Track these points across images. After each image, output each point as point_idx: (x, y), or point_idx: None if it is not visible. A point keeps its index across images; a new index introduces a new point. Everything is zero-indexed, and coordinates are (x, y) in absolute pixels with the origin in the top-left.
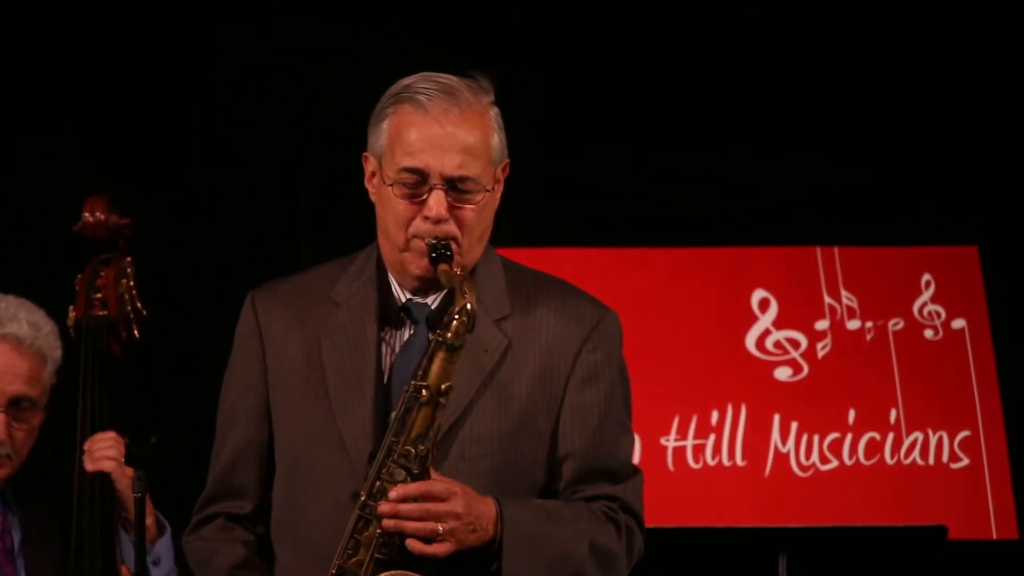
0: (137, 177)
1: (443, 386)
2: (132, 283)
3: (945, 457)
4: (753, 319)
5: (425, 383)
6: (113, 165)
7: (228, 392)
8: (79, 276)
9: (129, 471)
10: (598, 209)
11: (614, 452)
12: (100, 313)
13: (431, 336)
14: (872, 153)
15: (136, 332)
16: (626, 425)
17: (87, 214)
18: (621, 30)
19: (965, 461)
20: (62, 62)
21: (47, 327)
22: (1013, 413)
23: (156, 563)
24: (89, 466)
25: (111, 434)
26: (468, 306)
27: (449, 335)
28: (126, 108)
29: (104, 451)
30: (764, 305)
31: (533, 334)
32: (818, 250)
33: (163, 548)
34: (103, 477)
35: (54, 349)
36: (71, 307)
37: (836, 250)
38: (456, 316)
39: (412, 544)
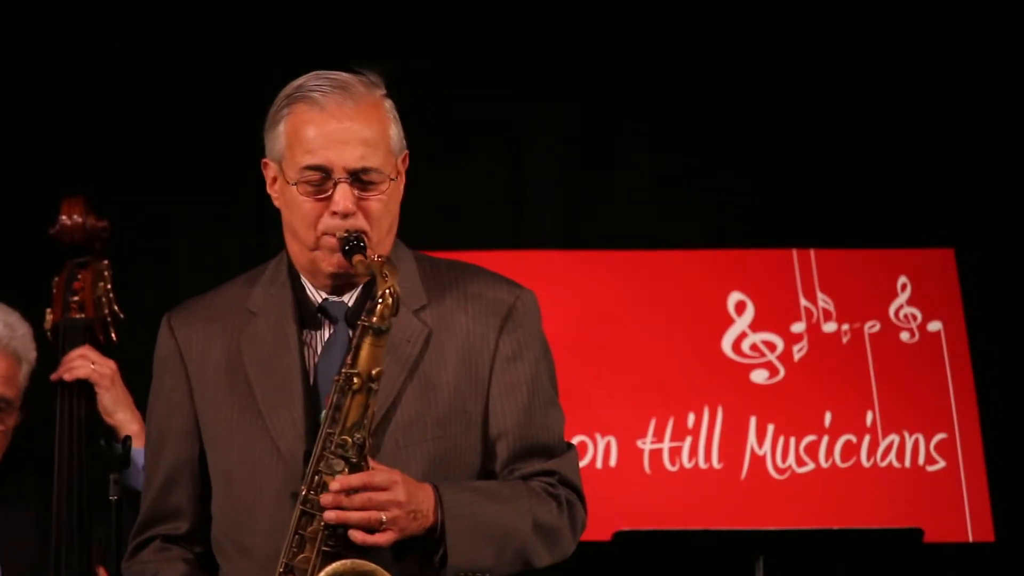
0: (114, 178)
1: (373, 371)
2: (109, 286)
3: (921, 460)
4: (729, 322)
5: (355, 370)
6: (90, 166)
7: (153, 415)
8: (56, 279)
9: (107, 371)
10: (575, 212)
11: (546, 428)
12: (77, 316)
13: (352, 333)
14: (848, 155)
15: (113, 335)
16: (554, 401)
17: (64, 216)
18: (591, 34)
19: (941, 464)
20: (37, 61)
21: (22, 329)
22: (989, 415)
23: None
24: (67, 376)
25: (81, 349)
26: (391, 289)
27: (375, 319)
28: (103, 109)
29: (75, 359)
30: (740, 308)
31: (452, 321)
32: (794, 252)
33: None
34: (81, 483)
35: (29, 351)
36: (48, 310)
37: (812, 252)
38: (380, 300)
39: (355, 535)
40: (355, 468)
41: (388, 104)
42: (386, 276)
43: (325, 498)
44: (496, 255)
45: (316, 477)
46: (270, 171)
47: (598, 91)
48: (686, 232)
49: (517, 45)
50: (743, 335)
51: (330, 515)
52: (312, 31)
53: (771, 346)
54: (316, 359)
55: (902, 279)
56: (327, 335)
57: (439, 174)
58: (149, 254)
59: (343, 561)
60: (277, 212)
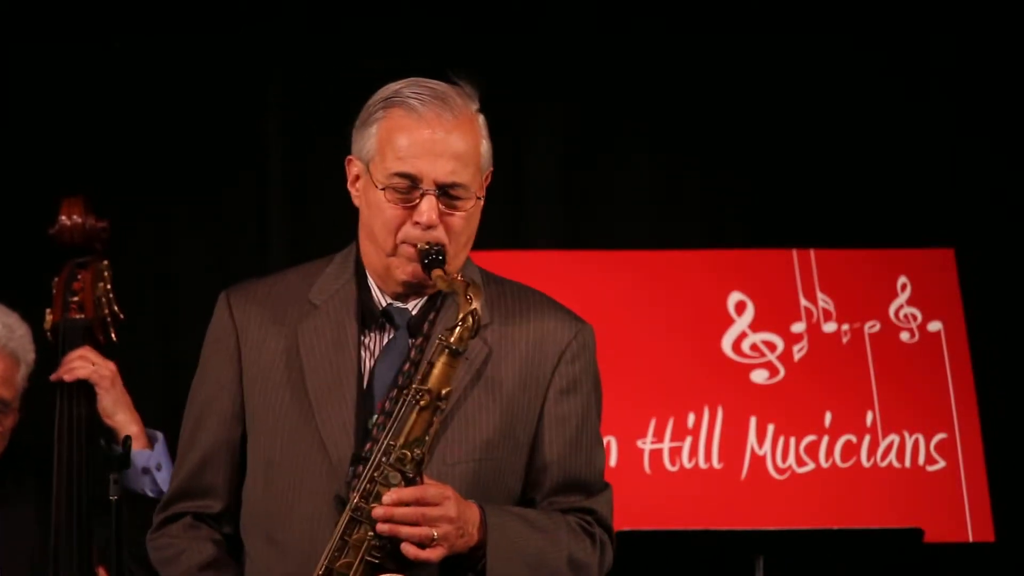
0: (114, 178)
1: (443, 391)
2: (109, 286)
3: (921, 459)
4: (729, 322)
5: (426, 387)
6: (90, 166)
7: (200, 391)
8: (56, 279)
9: (107, 372)
10: (575, 212)
11: (590, 464)
12: (77, 316)
13: (412, 342)
14: (848, 155)
15: (113, 335)
16: (599, 438)
17: (64, 217)
18: (591, 34)
19: (941, 463)
20: (37, 61)
21: (21, 330)
22: (989, 415)
23: (159, 468)
24: (67, 377)
25: (81, 350)
26: (474, 312)
27: (453, 340)
28: (103, 109)
29: (75, 360)
30: (740, 308)
31: (513, 344)
32: (794, 252)
33: (160, 455)
34: (81, 484)
35: (28, 352)
36: (48, 310)
37: (812, 252)
38: (461, 322)
39: (407, 549)
40: (410, 483)
41: (481, 120)
42: (470, 299)
43: (377, 510)
44: (496, 255)
45: (369, 485)
46: (354, 168)
47: (598, 91)
48: (686, 232)
49: (517, 45)
50: (743, 335)
51: (383, 527)
52: (312, 31)
53: (771, 346)
54: (373, 362)
55: (902, 279)
56: (386, 339)
57: None
58: (149, 254)
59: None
60: (343, 209)
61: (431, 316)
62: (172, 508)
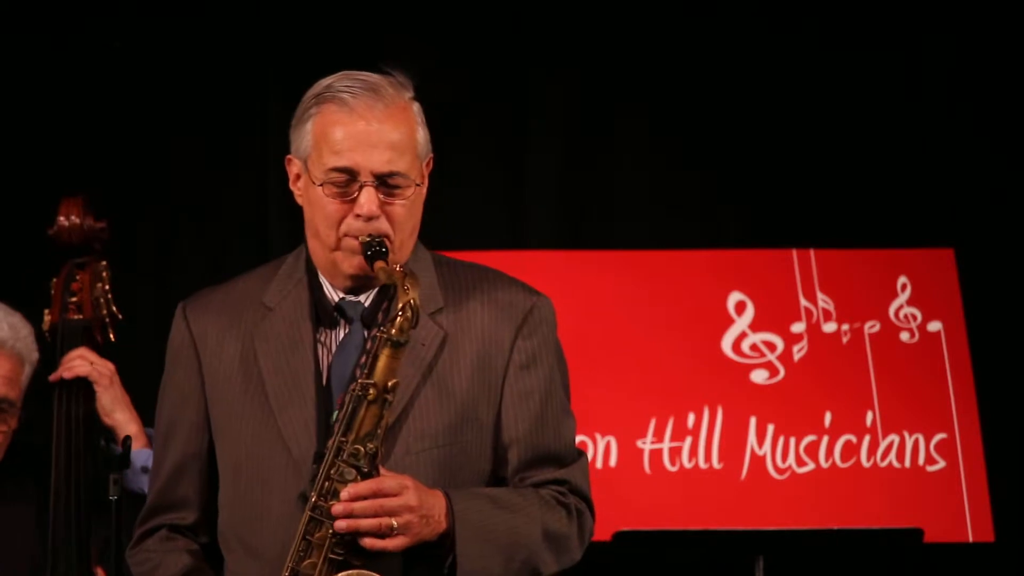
0: (114, 178)
1: (389, 383)
2: (107, 287)
3: (921, 460)
4: (729, 322)
5: (371, 381)
6: (90, 166)
7: (164, 404)
8: (54, 279)
9: (106, 370)
10: (575, 212)
11: (558, 436)
12: (75, 317)
13: (367, 334)
14: (848, 155)
15: (111, 336)
16: (567, 408)
17: (62, 217)
18: (591, 35)
19: (941, 464)
20: (37, 61)
21: (25, 330)
22: (989, 416)
23: None
24: (66, 374)
25: (80, 350)
26: (412, 302)
27: (393, 331)
28: (103, 109)
29: (75, 359)
30: (740, 308)
31: (468, 325)
32: (794, 252)
33: None
34: (79, 483)
35: (32, 352)
36: (46, 311)
37: (812, 252)
38: (400, 312)
39: (368, 540)
40: (366, 477)
41: (416, 107)
42: (407, 289)
43: (336, 507)
44: (496, 255)
45: (327, 483)
46: (294, 168)
47: (598, 91)
48: (686, 232)
49: (517, 46)
50: (743, 335)
51: (341, 524)
52: (312, 30)
53: (771, 346)
54: (330, 358)
55: (902, 279)
56: (342, 335)
57: (439, 173)
58: (148, 254)
59: (349, 572)
60: (298, 209)
61: (384, 306)
62: (148, 523)
